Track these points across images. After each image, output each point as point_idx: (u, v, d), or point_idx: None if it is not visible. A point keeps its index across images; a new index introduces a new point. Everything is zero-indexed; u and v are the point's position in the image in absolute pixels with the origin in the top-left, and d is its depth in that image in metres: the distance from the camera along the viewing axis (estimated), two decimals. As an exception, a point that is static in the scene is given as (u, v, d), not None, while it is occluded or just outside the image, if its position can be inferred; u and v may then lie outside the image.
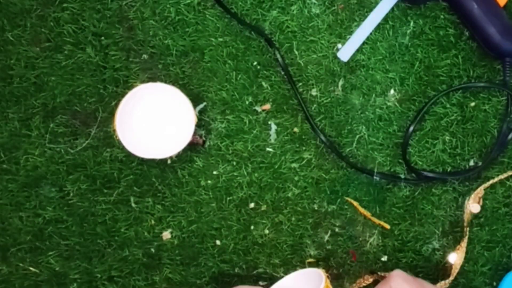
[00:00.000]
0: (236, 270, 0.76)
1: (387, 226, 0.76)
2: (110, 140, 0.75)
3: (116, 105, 0.73)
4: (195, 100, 0.74)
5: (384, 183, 0.76)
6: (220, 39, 0.75)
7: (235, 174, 0.75)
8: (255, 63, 0.75)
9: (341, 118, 0.75)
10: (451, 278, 0.73)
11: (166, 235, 0.75)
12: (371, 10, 0.75)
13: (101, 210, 0.75)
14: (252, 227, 0.76)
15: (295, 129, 0.76)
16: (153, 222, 0.75)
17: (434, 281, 0.74)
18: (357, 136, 0.75)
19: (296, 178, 0.76)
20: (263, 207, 0.76)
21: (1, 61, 0.74)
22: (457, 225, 0.76)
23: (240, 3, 0.75)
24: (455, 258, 0.74)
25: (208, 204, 0.75)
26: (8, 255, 0.75)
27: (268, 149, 0.76)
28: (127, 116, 0.70)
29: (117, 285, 0.75)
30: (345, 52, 0.75)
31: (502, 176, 0.75)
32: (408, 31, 0.75)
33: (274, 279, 0.74)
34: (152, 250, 0.76)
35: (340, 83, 0.75)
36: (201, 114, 0.75)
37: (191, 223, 0.75)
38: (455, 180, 0.75)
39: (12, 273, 0.75)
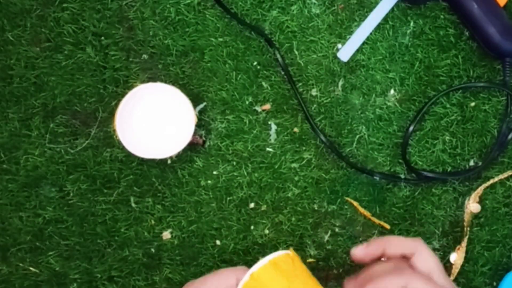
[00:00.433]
0: (236, 270, 0.76)
1: (387, 226, 0.76)
2: (110, 140, 0.75)
3: (116, 105, 0.73)
4: (195, 100, 0.74)
5: (384, 183, 0.76)
6: (220, 39, 0.75)
7: (235, 174, 0.75)
8: (255, 63, 0.75)
9: (341, 118, 0.75)
10: (452, 278, 0.74)
11: (166, 235, 0.75)
12: (371, 10, 0.75)
13: (101, 210, 0.75)
14: (252, 227, 0.76)
15: (295, 129, 0.75)
16: (153, 222, 0.75)
17: (434, 281, 0.74)
18: (357, 136, 0.75)
19: (296, 178, 0.76)
20: (263, 207, 0.76)
21: (1, 61, 0.74)
22: (457, 225, 0.76)
23: (240, 3, 0.75)
24: (455, 258, 0.74)
25: (208, 204, 0.75)
26: (8, 255, 0.75)
27: (268, 149, 0.76)
28: (127, 116, 0.70)
29: (117, 285, 0.75)
30: (345, 52, 0.75)
31: (502, 176, 0.75)
32: (408, 31, 0.75)
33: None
34: (152, 250, 0.75)
35: (340, 83, 0.75)
36: (201, 114, 0.75)
37: (191, 223, 0.75)
38: (455, 180, 0.75)
39: (12, 273, 0.75)
